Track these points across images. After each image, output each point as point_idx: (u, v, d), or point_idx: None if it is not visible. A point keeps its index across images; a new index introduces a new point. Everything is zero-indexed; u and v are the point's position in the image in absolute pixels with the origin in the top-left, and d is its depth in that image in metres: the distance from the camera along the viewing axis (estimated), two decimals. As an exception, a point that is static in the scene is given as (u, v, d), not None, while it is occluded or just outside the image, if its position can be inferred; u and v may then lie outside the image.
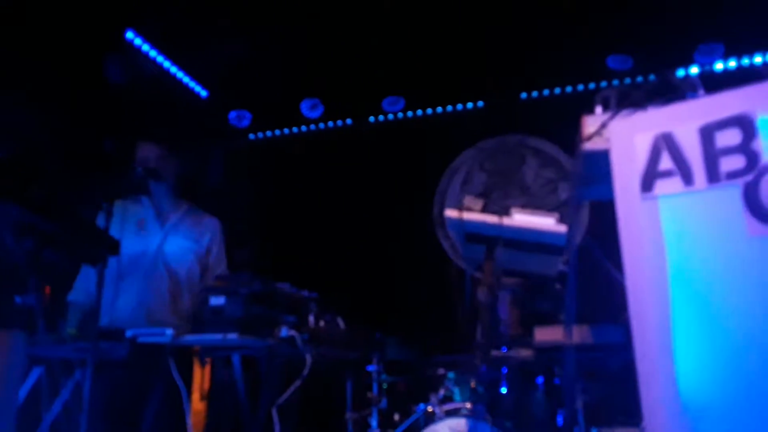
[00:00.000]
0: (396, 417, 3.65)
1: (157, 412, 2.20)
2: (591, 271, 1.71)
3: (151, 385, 2.25)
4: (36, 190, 1.79)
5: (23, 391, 2.06)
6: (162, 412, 2.21)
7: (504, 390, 3.16)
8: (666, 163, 1.30)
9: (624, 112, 1.47)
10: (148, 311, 2.63)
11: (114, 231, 2.23)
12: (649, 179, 1.31)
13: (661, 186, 1.29)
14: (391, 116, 5.14)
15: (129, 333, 2.13)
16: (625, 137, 1.39)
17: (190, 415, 2.28)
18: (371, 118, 5.19)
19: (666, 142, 1.32)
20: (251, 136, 5.45)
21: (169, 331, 2.12)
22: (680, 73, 4.11)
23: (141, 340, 2.13)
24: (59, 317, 2.52)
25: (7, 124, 2.68)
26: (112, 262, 2.50)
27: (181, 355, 2.28)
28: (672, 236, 1.26)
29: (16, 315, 1.78)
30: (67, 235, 1.88)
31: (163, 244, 2.77)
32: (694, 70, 4.09)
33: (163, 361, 2.16)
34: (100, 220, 2.19)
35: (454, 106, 5.05)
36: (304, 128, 5.31)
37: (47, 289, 2.48)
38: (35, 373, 2.12)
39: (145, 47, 4.25)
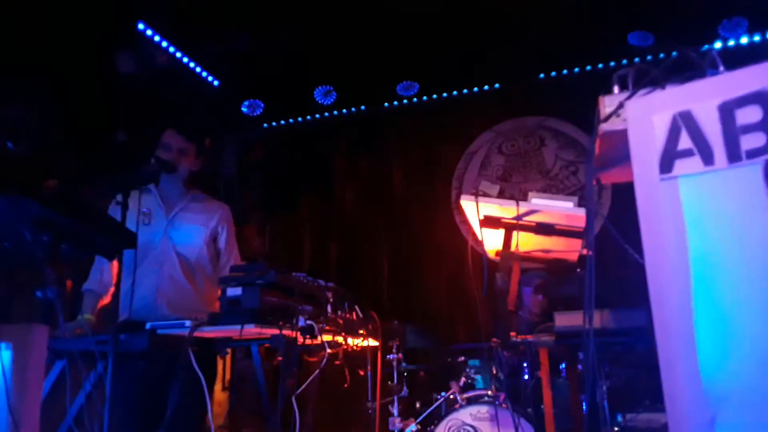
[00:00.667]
0: (417, 405, 3.65)
1: (179, 403, 2.21)
2: (614, 255, 1.67)
3: (172, 376, 2.26)
4: (52, 184, 1.81)
5: (47, 384, 2.09)
6: (184, 402, 2.23)
7: (526, 377, 3.14)
8: (685, 142, 1.26)
9: (642, 91, 1.43)
10: (169, 299, 2.64)
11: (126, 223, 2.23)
12: (668, 159, 1.27)
13: (681, 166, 1.25)
14: (405, 101, 5.10)
15: (148, 325, 2.15)
16: (642, 117, 1.35)
17: (211, 404, 2.31)
18: (386, 104, 5.15)
19: (685, 121, 1.27)
20: (264, 125, 5.45)
21: (188, 323, 2.13)
22: (703, 49, 4.00)
23: (161, 332, 2.15)
24: (78, 308, 2.55)
25: (23, 120, 2.71)
26: (125, 256, 2.52)
27: (201, 346, 2.30)
28: (692, 217, 1.22)
29: (37, 309, 1.81)
30: (83, 229, 1.90)
31: (168, 230, 2.77)
32: (717, 45, 3.97)
33: (183, 352, 2.18)
34: (114, 212, 2.20)
35: (470, 89, 4.98)
36: (317, 116, 5.30)
37: (68, 283, 2.52)
38: (58, 366, 2.15)
39: (157, 38, 4.27)
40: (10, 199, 1.71)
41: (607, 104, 1.45)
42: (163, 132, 2.77)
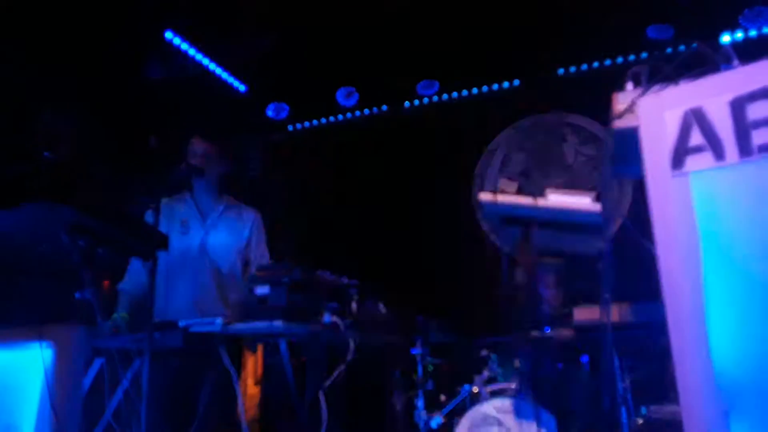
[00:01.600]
0: (442, 398, 3.69)
1: (212, 397, 2.30)
2: (635, 249, 1.69)
3: (205, 372, 2.35)
4: (87, 191, 1.89)
5: (87, 381, 2.19)
6: (216, 397, 2.31)
7: (548, 370, 3.16)
8: (696, 138, 1.27)
9: (655, 88, 1.44)
10: (201, 307, 2.73)
11: (162, 229, 2.33)
12: (679, 156, 1.29)
13: (692, 162, 1.26)
14: (426, 100, 5.12)
15: (182, 323, 2.24)
16: (654, 114, 1.37)
17: (242, 399, 2.38)
18: (406, 103, 5.18)
19: (696, 117, 1.29)
20: (290, 127, 5.54)
21: (219, 320, 2.21)
22: (722, 39, 3.94)
23: (193, 329, 2.23)
24: (114, 307, 2.65)
25: (58, 129, 2.82)
26: (161, 260, 2.62)
27: (232, 343, 2.38)
28: (703, 212, 1.24)
29: (76, 310, 1.89)
30: (118, 233, 1.98)
31: (205, 240, 2.87)
32: (738, 35, 3.92)
33: (215, 349, 2.26)
34: (149, 217, 2.29)
35: (489, 86, 4.98)
36: (340, 117, 5.35)
37: (105, 284, 2.62)
38: (97, 363, 2.24)
39: (184, 46, 4.37)
40: (47, 205, 1.79)
41: (620, 101, 1.47)
42: (190, 140, 2.87)
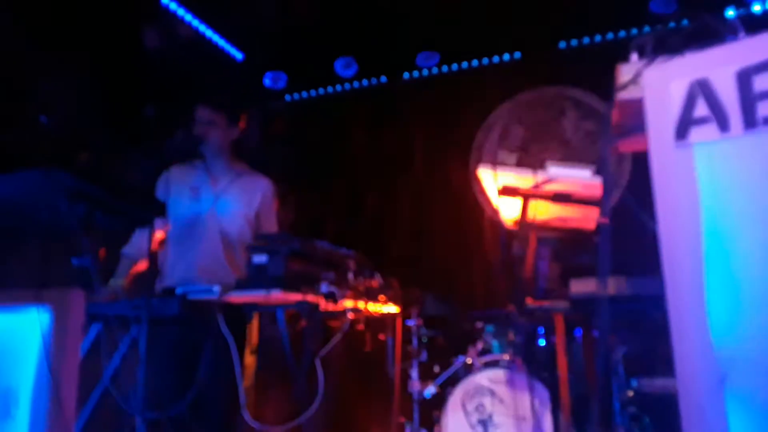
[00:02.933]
0: (436, 369, 3.74)
1: (210, 365, 2.31)
2: (633, 223, 1.70)
3: (203, 339, 2.36)
4: (85, 157, 1.88)
5: (84, 346, 2.20)
6: (214, 364, 2.33)
7: (542, 342, 3.20)
8: (701, 109, 1.26)
9: (660, 59, 1.43)
10: (208, 276, 2.72)
11: (170, 196, 2.31)
12: (683, 127, 1.28)
13: (696, 133, 1.26)
14: (425, 72, 5.07)
15: (179, 290, 2.24)
16: (659, 85, 1.36)
17: (241, 367, 2.40)
18: (406, 75, 5.13)
19: (701, 88, 1.28)
20: (287, 97, 5.48)
21: (216, 288, 2.21)
22: (727, 13, 3.91)
23: (190, 297, 2.24)
24: (111, 274, 2.65)
25: (54, 95, 2.78)
26: (174, 227, 2.61)
27: (230, 311, 2.39)
28: (706, 184, 1.24)
29: (73, 275, 1.89)
30: (116, 199, 1.97)
31: (214, 208, 2.85)
32: (742, 9, 3.88)
33: (213, 316, 2.27)
34: (161, 184, 2.26)
35: (490, 58, 4.94)
36: (339, 87, 5.30)
37: (102, 252, 2.62)
38: (94, 329, 2.25)
39: (181, 11, 4.30)
40: (44, 171, 1.78)
41: (624, 72, 1.45)
42: (195, 106, 2.83)
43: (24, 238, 1.97)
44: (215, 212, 2.84)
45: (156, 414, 2.16)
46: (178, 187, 2.74)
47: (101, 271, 2.00)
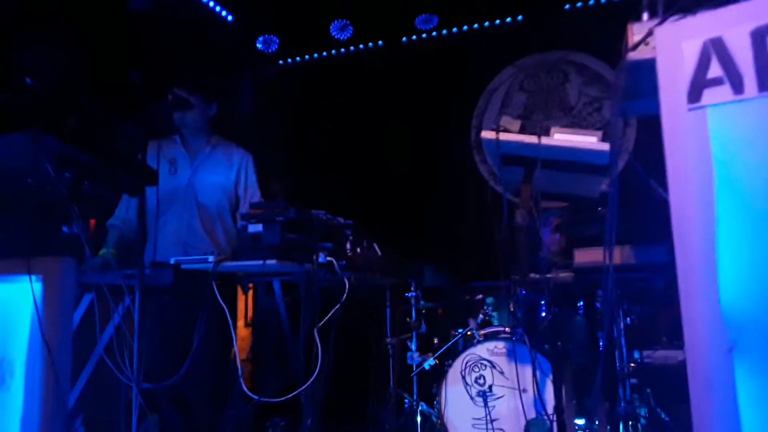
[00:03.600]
0: (435, 341, 3.73)
1: (205, 336, 2.28)
2: (637, 192, 1.65)
3: (197, 310, 2.33)
4: (72, 122, 1.82)
5: (77, 316, 2.17)
6: (209, 335, 2.30)
7: (543, 314, 3.17)
8: (715, 70, 1.22)
9: (672, 18, 1.37)
10: (186, 248, 2.74)
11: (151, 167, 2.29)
12: (696, 88, 1.24)
13: (709, 95, 1.22)
14: (424, 35, 4.93)
15: (173, 260, 2.21)
16: (672, 44, 1.31)
17: (236, 338, 2.38)
18: (404, 39, 4.99)
19: (715, 48, 1.24)
20: (280, 62, 5.36)
21: (212, 258, 2.18)
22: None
23: (184, 267, 2.20)
24: (102, 243, 2.63)
25: (39, 58, 2.71)
26: (151, 200, 2.60)
27: (225, 281, 2.36)
28: (719, 147, 1.20)
29: (63, 243, 1.86)
30: (105, 166, 1.92)
31: (193, 180, 2.87)
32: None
33: (208, 287, 2.23)
34: (151, 154, 2.24)
35: (491, 21, 4.79)
36: (334, 52, 5.17)
37: (92, 223, 2.59)
38: (86, 299, 2.22)
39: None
40: (31, 135, 1.73)
41: (635, 32, 1.40)
42: (180, 73, 2.81)
43: (12, 205, 1.92)
44: (193, 185, 2.85)
45: (151, 384, 2.14)
46: (155, 161, 2.74)
47: (92, 242, 1.96)
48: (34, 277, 1.80)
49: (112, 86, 3.05)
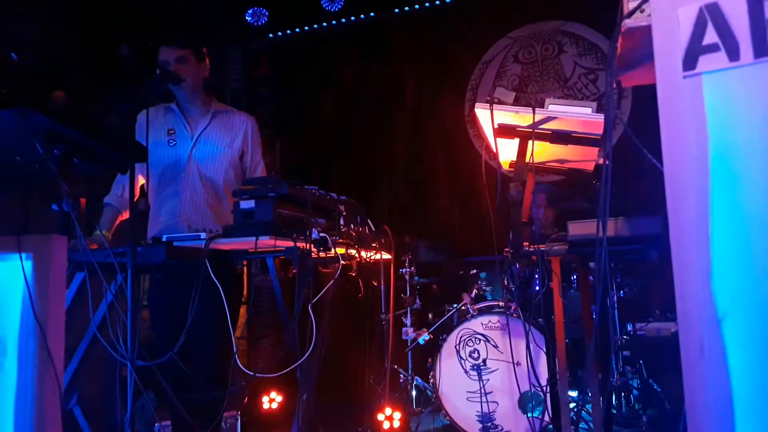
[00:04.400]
0: (430, 316, 3.75)
1: (199, 313, 2.27)
2: (629, 164, 1.65)
3: (191, 287, 2.32)
4: (61, 98, 1.78)
5: (69, 295, 2.15)
6: (204, 312, 2.29)
7: (536, 288, 3.19)
8: (710, 36, 1.21)
9: (668, -16, 1.35)
10: (190, 223, 2.65)
11: (145, 140, 2.21)
12: (691, 55, 1.23)
13: (705, 62, 1.20)
14: (417, 6, 4.85)
15: (164, 238, 2.18)
16: (667, 10, 1.29)
17: (232, 316, 2.38)
18: (396, 10, 4.91)
19: (711, 14, 1.22)
20: (270, 35, 5.28)
21: (204, 235, 2.15)
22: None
23: (177, 244, 2.18)
24: (95, 224, 2.58)
25: (27, 34, 2.65)
26: (152, 174, 2.52)
27: (218, 258, 2.34)
28: (714, 115, 1.19)
29: (53, 221, 1.83)
30: (94, 142, 1.89)
31: (194, 152, 2.74)
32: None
33: (201, 264, 2.21)
34: (140, 130, 2.18)
35: (485, -10, 4.73)
36: (325, 24, 5.09)
37: (83, 202, 2.55)
38: (78, 277, 2.20)
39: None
40: (18, 111, 1.69)
41: (631, -2, 1.38)
42: (159, 49, 2.69)
43: (2, 184, 1.90)
44: (195, 157, 2.73)
45: (146, 361, 2.13)
46: (154, 132, 2.59)
47: (84, 220, 1.93)
48: (24, 255, 1.78)
49: (100, 60, 2.99)
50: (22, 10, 2.86)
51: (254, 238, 2.09)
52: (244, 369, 2.27)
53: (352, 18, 5.01)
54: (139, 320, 2.01)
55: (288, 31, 5.22)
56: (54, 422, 1.75)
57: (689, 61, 1.22)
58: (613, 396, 3.07)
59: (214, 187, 2.75)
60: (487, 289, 3.58)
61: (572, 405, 3.07)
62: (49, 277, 1.77)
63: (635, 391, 3.15)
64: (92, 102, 2.15)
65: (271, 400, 3.67)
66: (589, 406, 3.08)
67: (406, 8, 4.90)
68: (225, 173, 2.77)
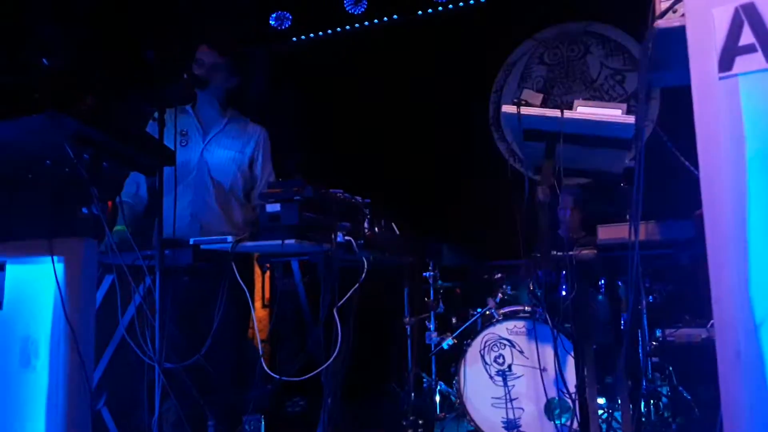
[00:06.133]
0: (453, 320, 3.72)
1: (224, 316, 2.29)
2: (659, 166, 1.62)
3: (216, 290, 2.34)
4: (90, 102, 1.81)
5: (98, 297, 2.18)
6: (228, 315, 2.31)
7: (564, 292, 3.15)
8: (747, 37, 1.19)
9: (702, -17, 1.32)
10: (202, 223, 2.70)
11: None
12: (728, 56, 1.21)
13: (741, 63, 1.18)
14: (440, 8, 4.83)
15: (192, 241, 2.21)
16: (702, 11, 1.27)
17: (255, 318, 2.40)
18: (419, 12, 4.90)
19: (747, 14, 1.20)
20: (294, 38, 5.30)
21: (230, 238, 2.17)
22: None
23: (204, 247, 2.20)
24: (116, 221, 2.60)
25: (54, 37, 2.70)
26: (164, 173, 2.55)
27: (243, 261, 2.36)
28: (751, 117, 1.17)
29: (83, 224, 1.86)
30: (123, 146, 1.92)
31: (205, 154, 2.79)
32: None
33: (226, 267, 2.23)
34: (152, 130, 2.22)
35: (509, -9, 4.70)
36: (348, 27, 5.09)
37: (110, 205, 2.58)
38: (107, 279, 2.23)
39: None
40: (48, 115, 1.72)
41: (663, -2, 1.36)
42: (197, 47, 2.74)
43: (32, 187, 1.93)
44: (205, 159, 2.78)
45: (173, 363, 2.16)
46: (165, 132, 2.65)
47: (109, 219, 1.96)
48: (56, 258, 1.81)
49: (126, 64, 3.03)
50: (50, 11, 2.92)
51: (280, 241, 2.10)
52: (269, 371, 2.27)
53: (376, 20, 5.02)
54: (166, 322, 2.04)
55: (311, 35, 5.25)
56: (84, 422, 1.78)
57: (725, 62, 1.20)
58: (642, 403, 3.02)
59: (222, 188, 2.80)
60: (513, 293, 3.55)
61: (600, 412, 3.02)
62: (80, 279, 1.80)
63: (665, 399, 3.09)
64: (119, 104, 2.18)
65: (295, 404, 3.68)
66: (617, 414, 3.02)
67: (429, 10, 4.88)
68: (233, 177, 2.82)
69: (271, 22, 5.05)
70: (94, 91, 1.82)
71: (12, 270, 1.89)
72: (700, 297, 1.15)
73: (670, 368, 3.17)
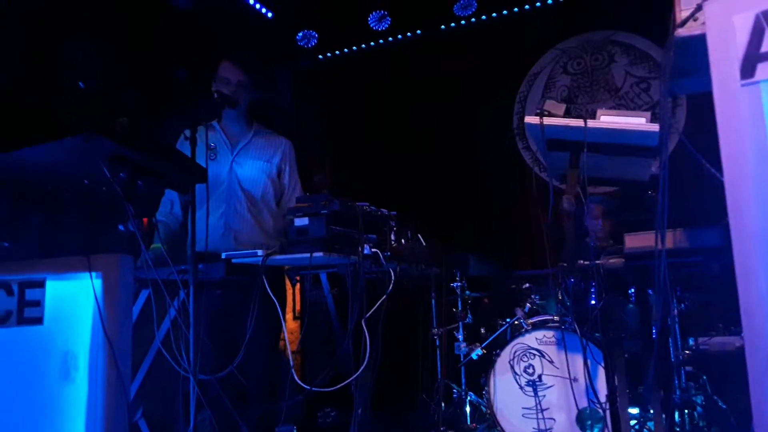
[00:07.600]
0: (482, 331, 3.71)
1: (256, 327, 2.33)
2: (686, 174, 1.61)
3: (248, 302, 2.38)
4: (124, 122, 1.87)
5: (135, 311, 2.24)
6: (260, 327, 2.35)
7: (593, 302, 3.12)
8: (768, 44, 1.18)
9: (722, -9, 1.33)
10: (236, 233, 2.75)
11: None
12: (749, 63, 1.21)
13: (763, 70, 1.19)
14: (463, 22, 4.87)
15: (224, 255, 2.26)
16: (722, 18, 1.27)
17: (286, 330, 2.43)
18: (442, 26, 4.94)
19: (768, 21, 1.19)
20: (320, 56, 5.38)
21: (261, 252, 2.22)
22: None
23: (235, 261, 2.25)
24: (152, 239, 2.68)
25: (87, 59, 2.78)
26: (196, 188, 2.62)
27: (273, 274, 2.40)
28: (775, 124, 1.16)
29: (120, 241, 1.92)
30: (157, 164, 1.97)
31: (233, 167, 2.85)
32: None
33: (257, 280, 2.28)
34: (182, 148, 2.28)
35: (531, 3, 4.71)
36: (372, 44, 5.16)
37: (145, 221, 2.65)
38: (143, 294, 2.29)
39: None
40: (85, 136, 1.78)
41: (683, 7, 1.37)
42: (220, 64, 2.80)
43: (70, 206, 2.00)
44: (235, 171, 2.84)
45: (207, 375, 2.20)
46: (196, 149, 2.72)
47: (145, 236, 2.02)
48: (94, 274, 1.86)
49: (157, 84, 3.12)
50: (83, 35, 3.02)
51: (308, 254, 2.14)
52: (300, 382, 2.30)
53: (399, 36, 5.07)
54: (201, 335, 2.08)
55: (337, 52, 5.33)
56: (122, 433, 1.82)
57: (747, 69, 1.20)
58: (676, 413, 2.96)
59: (254, 199, 2.85)
60: (541, 303, 3.53)
61: (633, 422, 2.98)
62: (118, 295, 1.85)
63: (699, 408, 3.03)
64: (152, 124, 2.25)
65: (326, 414, 3.70)
66: (650, 424, 2.98)
67: (452, 24, 4.92)
68: (264, 186, 2.88)
69: (298, 41, 5.14)
70: (128, 111, 1.88)
71: (52, 286, 1.94)
72: (732, 305, 1.14)
73: (704, 377, 3.11)
